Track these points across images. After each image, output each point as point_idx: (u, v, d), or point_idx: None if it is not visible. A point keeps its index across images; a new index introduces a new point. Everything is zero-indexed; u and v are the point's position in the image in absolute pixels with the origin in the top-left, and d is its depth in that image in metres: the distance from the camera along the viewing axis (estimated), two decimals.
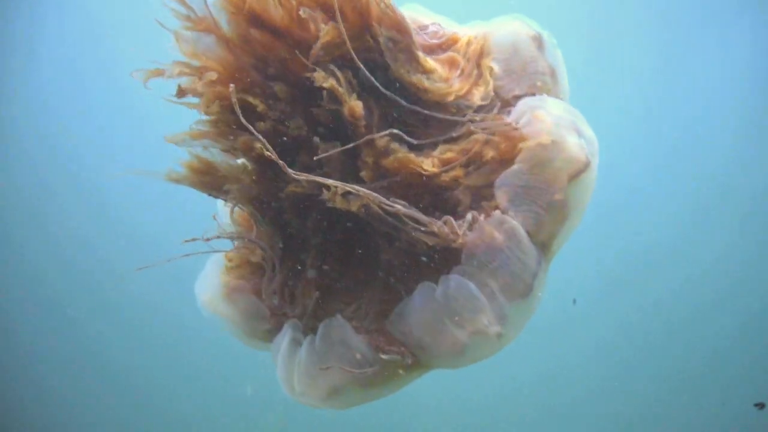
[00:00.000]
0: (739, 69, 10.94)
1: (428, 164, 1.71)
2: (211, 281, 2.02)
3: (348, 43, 1.63)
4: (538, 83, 1.82)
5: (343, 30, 1.63)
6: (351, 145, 1.69)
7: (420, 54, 1.76)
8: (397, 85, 1.78)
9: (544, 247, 1.69)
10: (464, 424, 11.47)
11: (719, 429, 10.33)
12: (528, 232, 1.63)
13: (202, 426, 11.41)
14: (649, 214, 12.76)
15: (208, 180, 1.84)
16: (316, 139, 1.73)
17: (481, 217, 1.66)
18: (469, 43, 1.88)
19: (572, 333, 12.38)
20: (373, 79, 1.70)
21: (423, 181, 1.73)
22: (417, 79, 1.74)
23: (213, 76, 1.68)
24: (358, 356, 1.67)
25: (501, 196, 1.65)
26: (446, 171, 1.72)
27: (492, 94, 1.81)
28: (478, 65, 1.85)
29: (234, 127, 1.75)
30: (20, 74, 10.39)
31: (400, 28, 1.72)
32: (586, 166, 1.65)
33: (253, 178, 1.80)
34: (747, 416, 9.20)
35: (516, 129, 1.69)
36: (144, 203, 11.69)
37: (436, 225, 1.64)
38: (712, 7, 10.29)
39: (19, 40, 10.05)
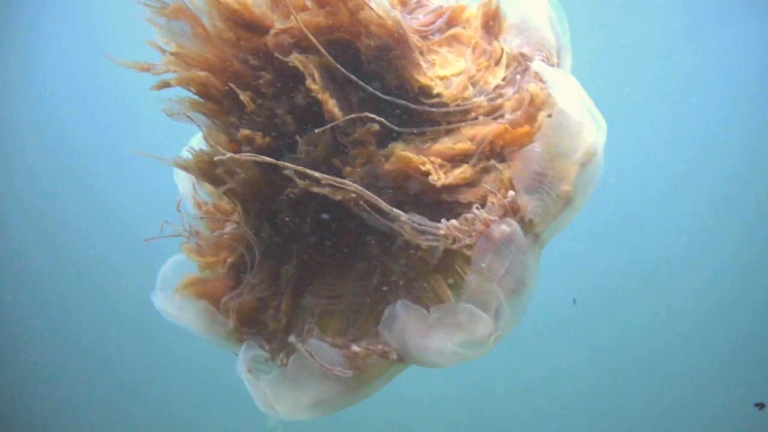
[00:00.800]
0: (745, 74, 10.89)
1: (431, 168, 1.65)
2: (169, 285, 1.97)
3: (309, 35, 1.59)
4: (546, 54, 1.76)
5: (301, 22, 1.59)
6: (326, 126, 1.65)
7: (420, 63, 1.71)
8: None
9: (537, 237, 1.65)
10: (462, 423, 11.46)
11: (719, 429, 10.33)
12: (531, 221, 1.59)
13: (204, 426, 11.40)
14: (656, 221, 12.74)
15: (212, 170, 1.82)
16: (298, 137, 1.70)
17: (485, 214, 1.60)
18: (476, 15, 1.83)
19: (574, 335, 12.38)
20: (361, 82, 1.65)
21: (429, 186, 1.67)
22: (413, 92, 1.69)
23: (174, 49, 1.68)
24: (338, 371, 1.62)
25: (517, 181, 1.59)
26: (455, 173, 1.67)
27: (502, 80, 1.75)
28: (490, 40, 1.80)
29: (232, 118, 1.75)
30: (20, 74, 10.39)
31: (393, 35, 1.67)
32: (596, 157, 1.60)
33: (256, 172, 1.79)
34: (747, 416, 9.19)
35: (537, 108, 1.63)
36: (145, 203, 11.69)
37: (441, 229, 1.60)
38: (718, 9, 10.21)
39: (19, 40, 10.05)
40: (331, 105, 1.63)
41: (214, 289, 1.94)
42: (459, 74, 1.76)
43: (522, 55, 1.76)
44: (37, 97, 10.83)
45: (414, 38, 1.74)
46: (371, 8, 1.62)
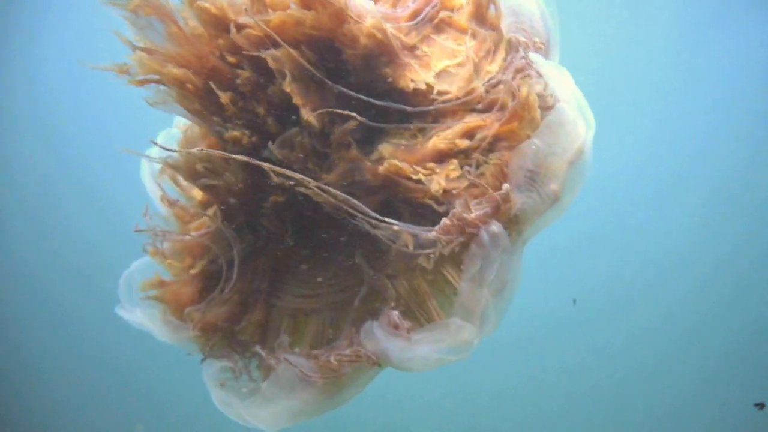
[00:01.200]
0: (745, 73, 10.83)
1: (424, 177, 1.61)
2: (133, 288, 1.97)
3: (274, 35, 1.56)
4: (536, 45, 1.74)
5: (262, 23, 1.57)
6: (295, 129, 1.64)
7: (412, 64, 1.68)
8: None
9: (521, 235, 1.63)
10: (461, 424, 11.43)
11: (719, 429, 10.31)
12: (517, 220, 1.58)
13: (206, 427, 11.38)
14: (655, 222, 12.68)
15: (200, 171, 1.82)
16: (270, 144, 1.68)
17: (474, 212, 1.56)
18: (467, 2, 1.82)
19: (574, 336, 12.35)
20: (344, 88, 1.63)
21: (420, 189, 1.65)
22: (405, 92, 1.67)
23: (145, 45, 1.68)
24: (316, 379, 1.60)
25: (510, 178, 1.56)
26: (448, 174, 1.64)
27: (498, 68, 1.72)
28: (483, 26, 1.78)
29: (216, 118, 1.74)
30: (20, 73, 10.38)
31: (381, 45, 1.64)
32: (585, 155, 1.59)
33: (243, 175, 1.78)
34: (747, 416, 9.17)
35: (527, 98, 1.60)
36: (145, 203, 11.62)
37: (432, 233, 1.57)
38: (719, 6, 10.14)
39: (20, 39, 10.05)
40: (305, 112, 1.60)
41: (179, 293, 1.91)
42: (459, 65, 1.73)
43: (517, 42, 1.73)
44: (37, 98, 10.83)
45: (404, 39, 1.72)
46: (359, 22, 1.59)
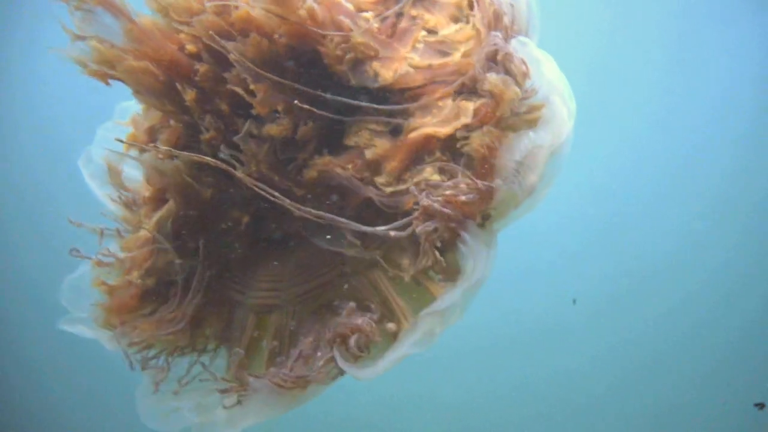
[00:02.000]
0: (746, 74, 10.81)
1: (431, 173, 1.60)
2: (81, 295, 1.94)
3: (215, 39, 1.51)
4: (518, 27, 1.70)
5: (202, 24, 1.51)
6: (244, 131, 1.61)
7: (400, 56, 1.64)
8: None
9: (493, 225, 1.60)
10: (461, 426, 11.42)
11: (719, 429, 10.30)
12: (495, 212, 1.55)
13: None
14: (655, 223, 12.65)
15: (188, 179, 1.80)
16: (223, 146, 1.66)
17: (461, 199, 1.52)
18: None
19: (573, 337, 12.33)
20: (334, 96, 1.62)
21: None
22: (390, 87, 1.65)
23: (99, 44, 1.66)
24: (284, 393, 1.58)
25: (500, 167, 1.52)
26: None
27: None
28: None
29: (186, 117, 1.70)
30: (20, 74, 10.37)
31: (365, 55, 1.61)
32: (564, 146, 1.57)
33: (213, 179, 1.74)
34: (747, 416, 9.17)
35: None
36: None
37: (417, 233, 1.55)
38: (718, 6, 10.12)
39: (20, 39, 10.03)
40: (273, 129, 1.56)
41: (124, 299, 1.92)
42: (468, 39, 1.68)
43: (501, 24, 1.68)
44: (36, 98, 10.82)
45: (389, 25, 1.68)
46: (343, 38, 1.56)
